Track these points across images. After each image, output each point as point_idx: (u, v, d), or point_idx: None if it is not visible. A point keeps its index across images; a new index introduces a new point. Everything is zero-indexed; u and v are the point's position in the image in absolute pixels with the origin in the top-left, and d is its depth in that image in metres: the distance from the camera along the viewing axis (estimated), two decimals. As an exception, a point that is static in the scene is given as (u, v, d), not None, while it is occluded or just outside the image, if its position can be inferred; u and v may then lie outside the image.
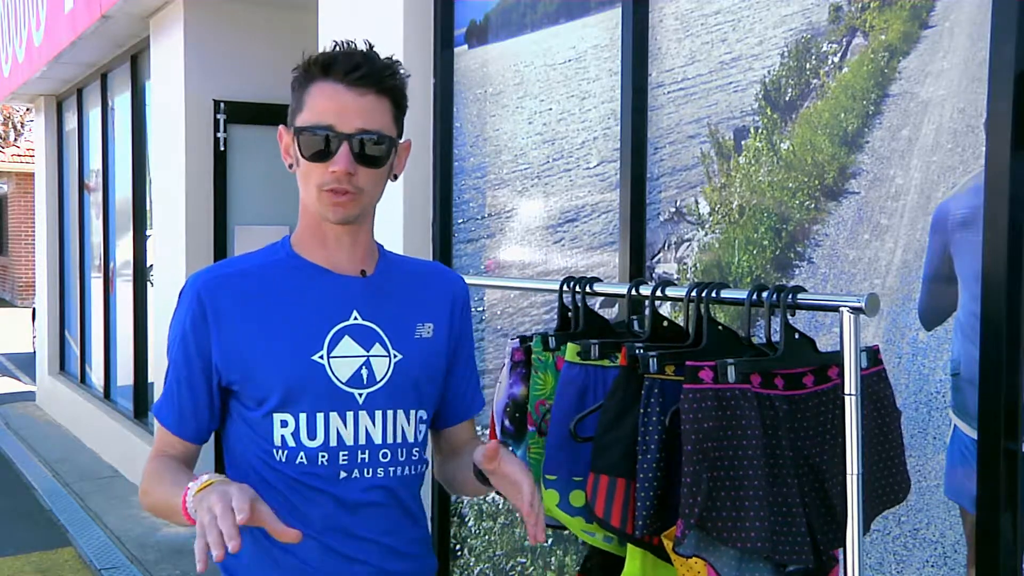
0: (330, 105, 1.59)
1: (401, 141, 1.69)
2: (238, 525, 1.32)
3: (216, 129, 5.98)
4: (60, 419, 9.24)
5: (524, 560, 3.27)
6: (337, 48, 1.62)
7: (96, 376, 8.70)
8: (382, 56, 1.64)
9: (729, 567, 1.57)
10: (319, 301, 1.66)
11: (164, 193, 6.40)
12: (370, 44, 1.65)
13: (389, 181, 1.69)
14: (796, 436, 1.63)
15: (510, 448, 2.04)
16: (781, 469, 1.59)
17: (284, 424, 1.63)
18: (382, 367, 1.67)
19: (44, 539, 5.82)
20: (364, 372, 1.65)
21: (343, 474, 1.64)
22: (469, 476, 1.72)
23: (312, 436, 1.63)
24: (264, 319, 1.64)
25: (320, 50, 1.66)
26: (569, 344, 1.86)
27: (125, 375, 7.78)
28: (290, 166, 1.68)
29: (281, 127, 1.69)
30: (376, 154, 1.61)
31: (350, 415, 1.64)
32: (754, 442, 1.56)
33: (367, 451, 1.65)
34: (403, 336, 1.70)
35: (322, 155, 1.58)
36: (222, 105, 5.95)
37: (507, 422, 2.03)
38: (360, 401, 1.65)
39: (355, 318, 1.67)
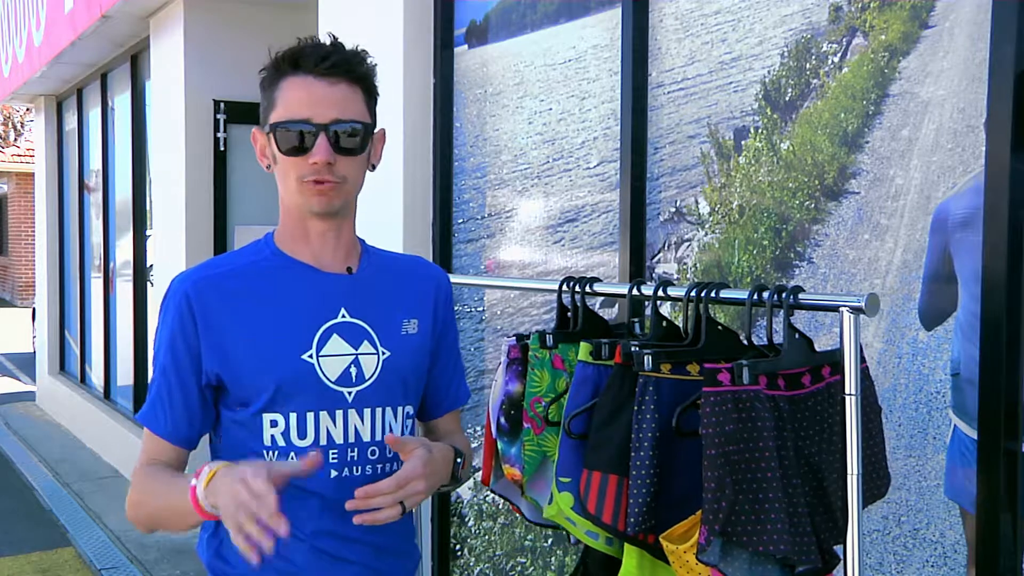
0: (304, 97, 1.58)
1: (375, 130, 1.68)
2: (271, 504, 1.32)
3: (216, 129, 5.98)
4: (60, 419, 9.24)
5: (524, 560, 3.27)
6: (303, 42, 1.61)
7: (96, 376, 8.70)
8: (364, 52, 1.64)
9: (742, 571, 1.53)
10: (307, 299, 1.65)
11: (164, 193, 6.40)
12: (334, 37, 1.63)
13: (368, 172, 1.68)
14: (797, 436, 1.63)
15: (504, 443, 2.04)
16: (788, 470, 1.58)
17: (274, 424, 1.62)
18: (371, 365, 1.66)
19: (44, 539, 5.82)
20: (353, 370, 1.65)
21: (333, 472, 1.63)
22: None
23: (302, 436, 1.62)
24: (252, 319, 1.62)
25: None
26: (582, 344, 1.84)
27: (125, 375, 7.77)
28: (268, 167, 1.67)
29: (255, 129, 1.67)
30: (353, 144, 1.60)
31: (339, 414, 1.64)
32: (770, 443, 1.54)
33: (355, 449, 1.65)
34: (391, 333, 1.70)
35: (300, 149, 1.58)
36: (222, 105, 5.95)
37: (503, 419, 2.03)
38: (349, 400, 1.65)
39: (343, 316, 1.66)
